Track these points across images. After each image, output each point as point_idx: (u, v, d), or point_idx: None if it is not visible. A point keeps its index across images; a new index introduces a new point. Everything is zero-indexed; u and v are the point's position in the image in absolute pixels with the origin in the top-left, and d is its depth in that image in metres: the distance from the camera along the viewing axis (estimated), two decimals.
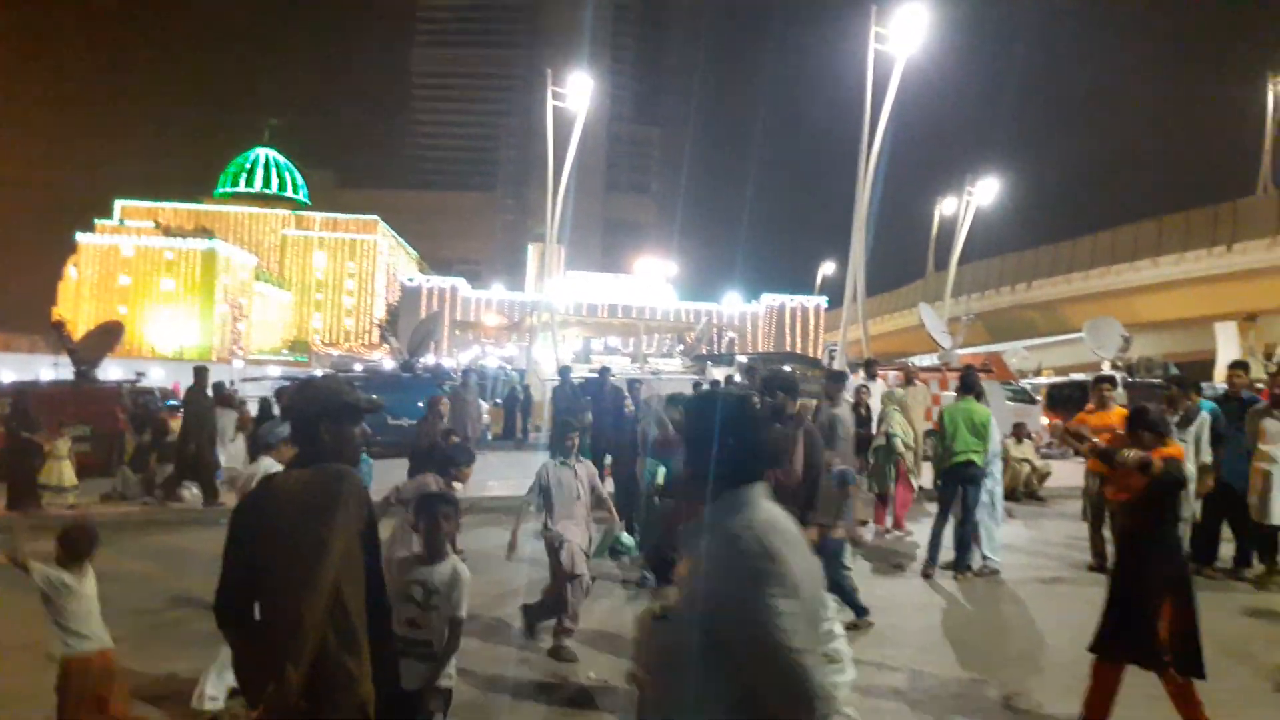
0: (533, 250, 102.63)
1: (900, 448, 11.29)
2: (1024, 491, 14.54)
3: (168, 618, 7.17)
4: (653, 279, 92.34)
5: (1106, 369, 23.09)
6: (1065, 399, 21.05)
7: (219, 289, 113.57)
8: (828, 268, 75.96)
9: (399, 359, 28.00)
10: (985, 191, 39.85)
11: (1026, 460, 14.81)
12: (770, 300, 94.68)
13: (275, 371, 46.06)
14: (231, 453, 14.39)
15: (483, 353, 60.92)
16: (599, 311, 79.30)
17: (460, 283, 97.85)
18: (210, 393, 14.26)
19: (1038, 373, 34.25)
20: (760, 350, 75.78)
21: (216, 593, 2.66)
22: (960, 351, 31.13)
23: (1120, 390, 15.48)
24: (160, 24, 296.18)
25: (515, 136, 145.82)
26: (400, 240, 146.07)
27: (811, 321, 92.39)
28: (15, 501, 12.43)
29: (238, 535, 2.70)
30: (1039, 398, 22.82)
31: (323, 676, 2.49)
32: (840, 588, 6.73)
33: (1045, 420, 20.16)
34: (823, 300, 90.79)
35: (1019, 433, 14.88)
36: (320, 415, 2.81)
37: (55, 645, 4.28)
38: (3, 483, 12.76)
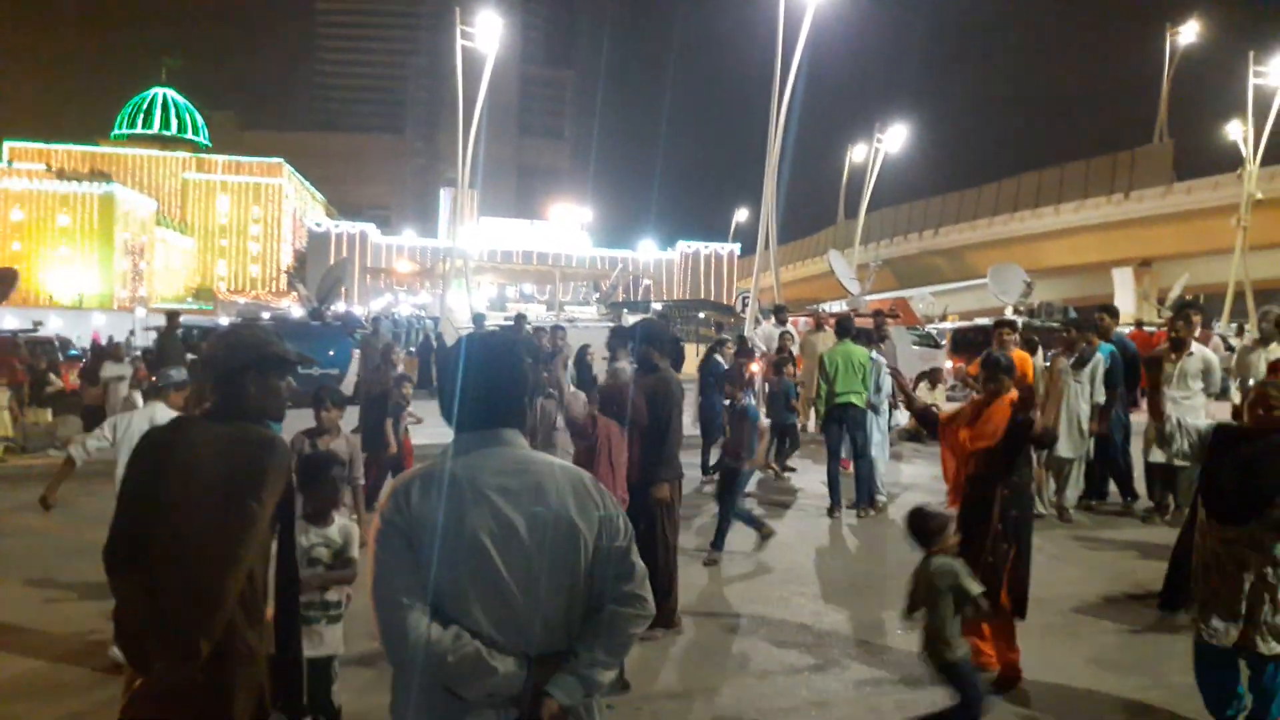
0: (444, 195, 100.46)
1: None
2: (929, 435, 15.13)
3: (73, 572, 7.04)
4: (568, 226, 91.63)
5: (1010, 314, 24.02)
6: (968, 343, 21.87)
7: (118, 235, 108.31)
8: (741, 215, 76.51)
9: (308, 306, 27.35)
10: (894, 139, 40.62)
11: (935, 405, 15.39)
12: (685, 247, 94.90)
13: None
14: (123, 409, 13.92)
15: (395, 300, 59.90)
16: (514, 258, 78.41)
17: (370, 228, 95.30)
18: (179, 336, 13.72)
19: (944, 318, 35.41)
20: (676, 298, 76.18)
21: (109, 537, 2.51)
22: (869, 298, 32.01)
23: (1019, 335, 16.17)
24: None
25: (424, 78, 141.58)
26: (307, 184, 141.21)
27: (726, 269, 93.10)
28: None
29: (138, 478, 2.55)
30: (944, 342, 23.66)
31: (224, 649, 2.40)
32: (741, 515, 7.89)
33: (949, 364, 20.97)
34: (736, 247, 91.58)
35: (933, 378, 15.38)
36: (245, 366, 2.65)
37: None
38: None
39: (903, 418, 12.01)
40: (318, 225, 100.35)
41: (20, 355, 16.69)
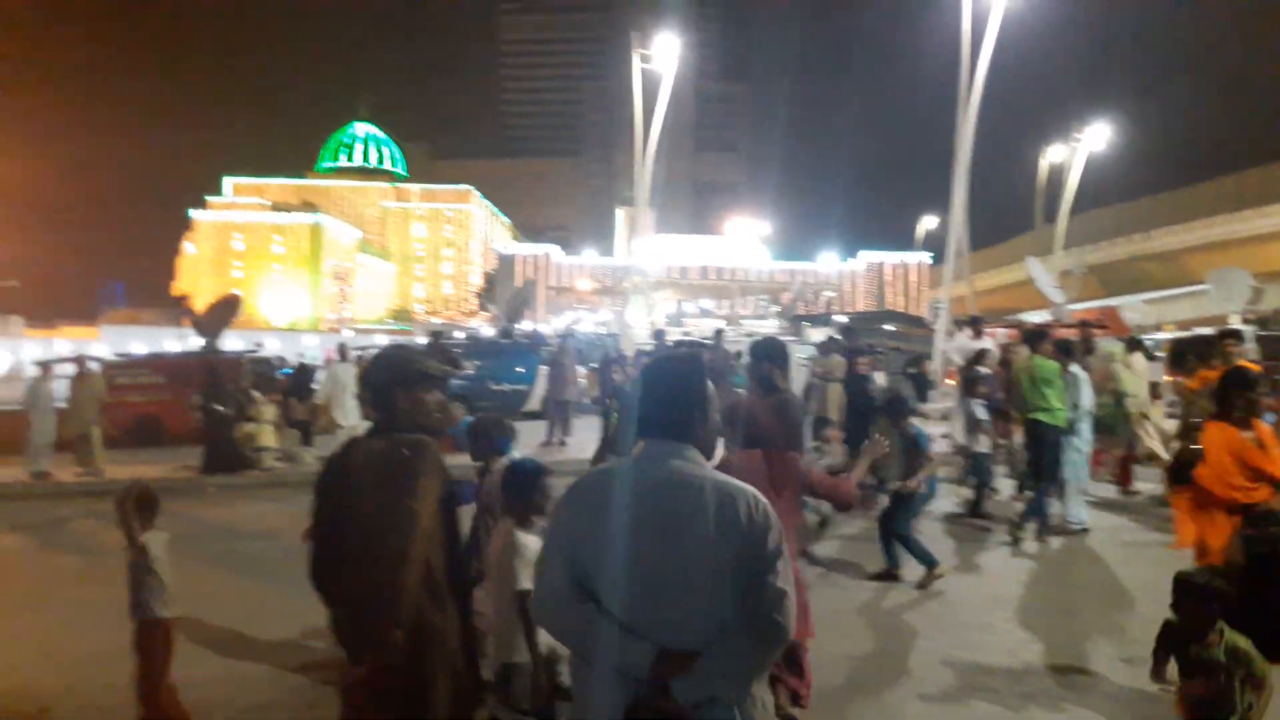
0: (622, 214, 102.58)
1: (1132, 408, 10.54)
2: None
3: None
4: (745, 239, 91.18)
5: (1235, 323, 21.76)
6: (1188, 356, 19.90)
7: (325, 262, 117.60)
8: (929, 222, 73.59)
9: (498, 325, 28.46)
10: (1094, 138, 37.84)
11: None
12: (869, 258, 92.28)
13: (383, 340, 47.43)
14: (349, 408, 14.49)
15: (577, 318, 61.67)
16: (690, 274, 78.96)
17: (554, 249, 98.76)
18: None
19: (1158, 328, 32.55)
20: (859, 310, 74.22)
21: (310, 559, 2.84)
22: (1073, 307, 29.83)
23: (1250, 345, 14.53)
24: (259, 9, 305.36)
25: (602, 99, 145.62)
26: (494, 208, 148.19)
27: (913, 279, 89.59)
28: (212, 466, 13.14)
29: (321, 500, 2.87)
30: (1160, 354, 21.69)
31: (418, 635, 2.67)
32: (907, 541, 7.25)
33: (1167, 378, 19.16)
34: (925, 256, 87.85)
35: (1154, 393, 13.90)
36: (393, 383, 2.91)
37: (157, 608, 4.43)
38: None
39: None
40: (505, 248, 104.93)
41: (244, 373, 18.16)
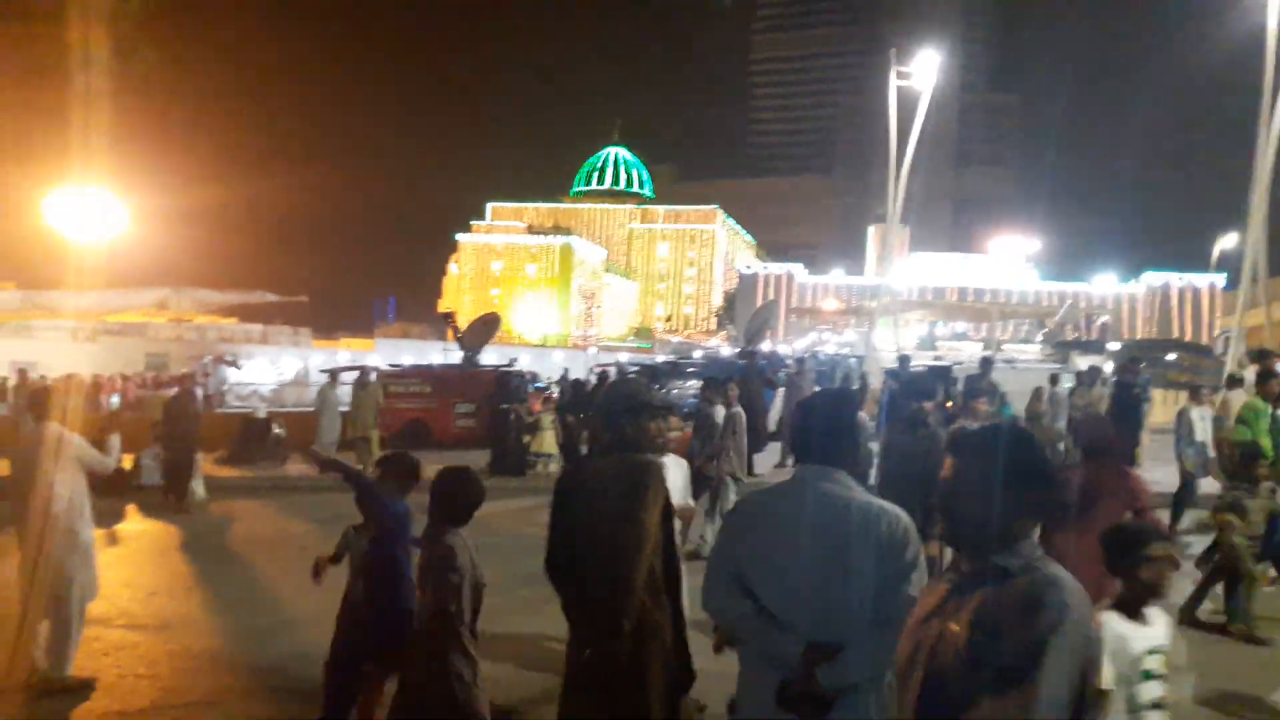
0: (873, 232, 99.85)
1: None
2: None
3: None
4: (1009, 258, 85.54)
5: None
6: None
7: (574, 281, 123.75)
8: (1227, 240, 65.49)
9: (736, 346, 28.48)
10: None
11: None
12: (1152, 279, 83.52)
13: (624, 357, 49.09)
14: None
15: (820, 339, 60.54)
16: (946, 294, 75.11)
17: (797, 268, 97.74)
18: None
19: None
20: (1138, 337, 67.41)
21: (547, 550, 3.39)
22: None
23: None
24: (514, 39, 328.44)
25: (855, 116, 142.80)
26: (738, 228, 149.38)
27: (1204, 304, 79.93)
28: (498, 468, 14.27)
29: (560, 505, 3.40)
30: None
31: (640, 628, 3.13)
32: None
33: None
34: (1219, 279, 78.11)
35: None
36: (623, 411, 3.40)
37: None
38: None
39: None
40: (747, 268, 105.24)
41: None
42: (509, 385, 15.39)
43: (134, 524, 11.23)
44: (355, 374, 16.18)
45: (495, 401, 14.93)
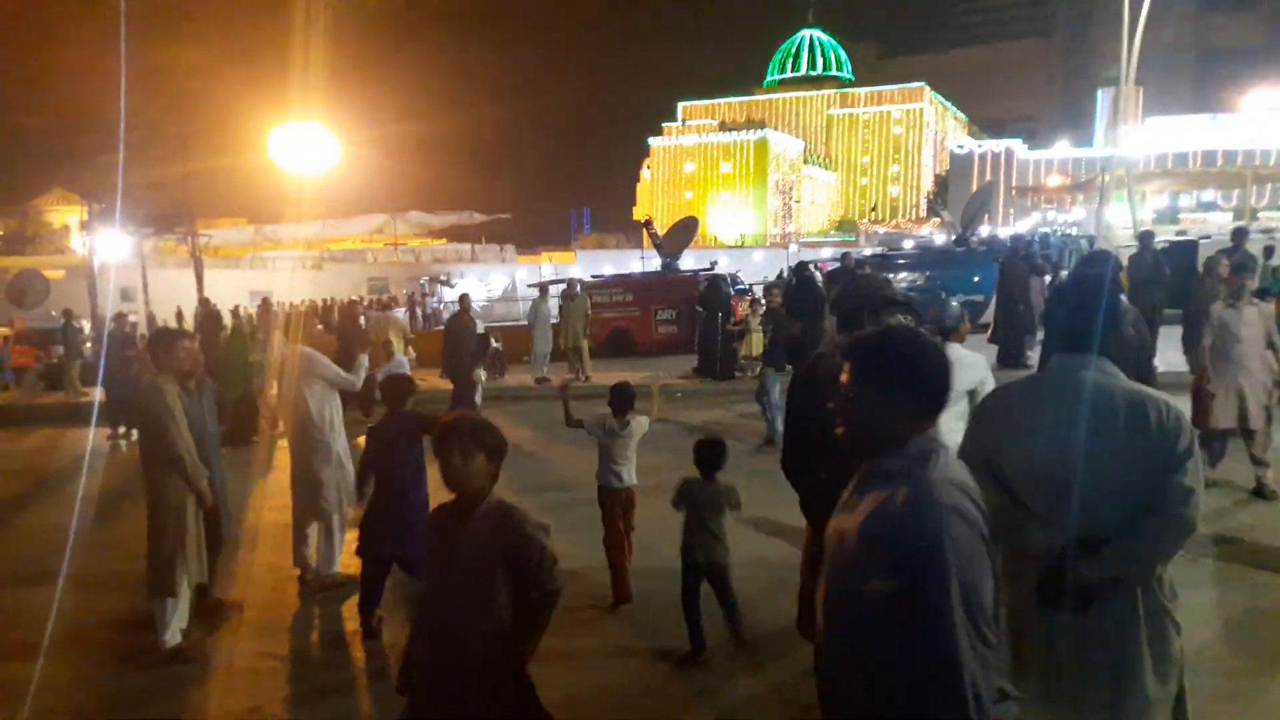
0: (1102, 97, 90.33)
1: None
2: None
3: None
4: (1265, 115, 74.90)
5: None
6: None
7: (770, 177, 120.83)
8: None
9: (952, 232, 26.91)
10: None
11: None
12: None
13: (826, 253, 47.78)
14: None
15: (1043, 220, 56.13)
16: (1190, 161, 67.08)
17: (1016, 144, 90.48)
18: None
19: None
20: None
21: (783, 456, 3.49)
22: None
23: None
24: None
25: None
26: (949, 104, 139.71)
27: None
28: (707, 370, 14.55)
29: (798, 407, 3.46)
30: None
31: None
32: None
33: None
34: None
35: None
36: (862, 308, 3.36)
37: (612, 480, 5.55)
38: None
39: None
40: (960, 147, 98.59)
41: (699, 290, 19.31)
42: (718, 288, 15.34)
43: None
44: (563, 286, 16.66)
45: (706, 303, 14.98)
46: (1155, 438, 2.36)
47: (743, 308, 15.66)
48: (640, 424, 5.51)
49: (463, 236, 62.15)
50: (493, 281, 40.39)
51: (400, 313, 25.33)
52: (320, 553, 6.26)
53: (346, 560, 6.27)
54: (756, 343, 14.56)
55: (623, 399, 5.47)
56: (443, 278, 35.86)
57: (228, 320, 14.70)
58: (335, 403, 6.27)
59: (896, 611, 1.73)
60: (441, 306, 32.21)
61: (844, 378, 2.03)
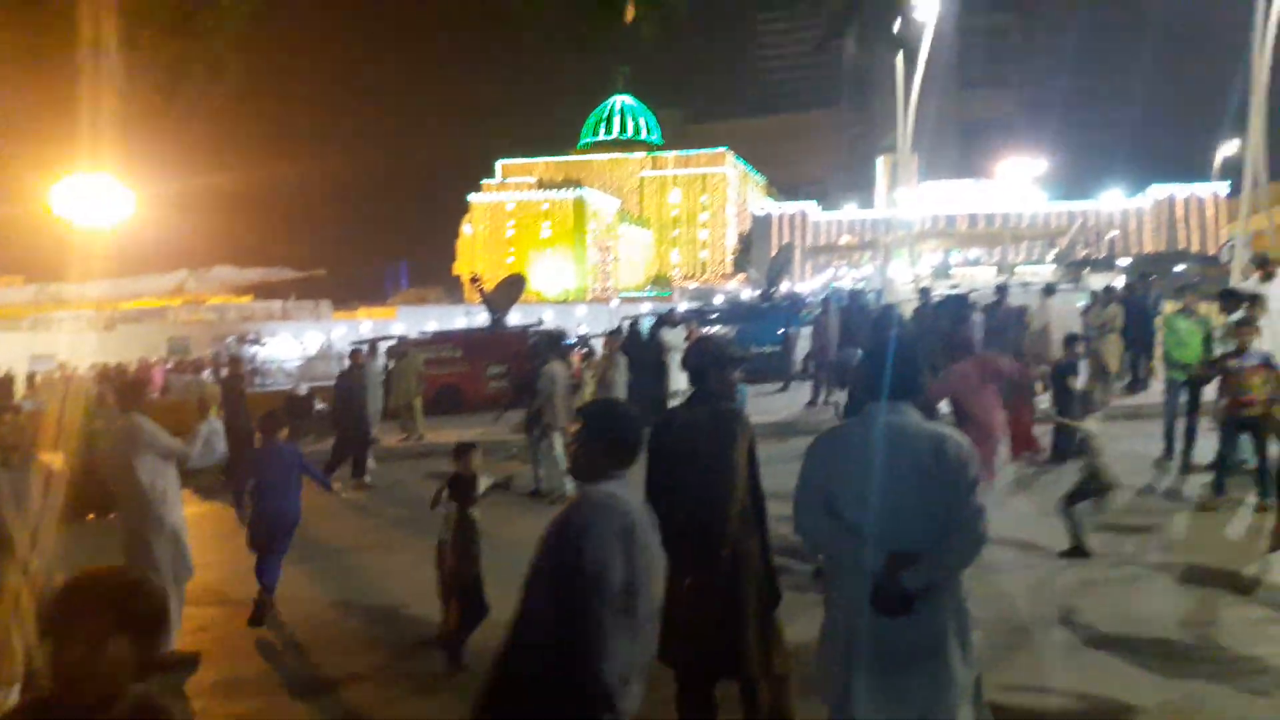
0: (882, 163, 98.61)
1: None
2: None
3: None
4: (1017, 180, 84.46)
5: None
6: None
7: (589, 233, 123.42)
8: (1228, 148, 64.36)
9: (756, 287, 28.67)
10: None
11: None
12: (1158, 192, 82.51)
13: (646, 308, 49.37)
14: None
15: (836, 275, 60.45)
16: (958, 222, 74.59)
17: (810, 207, 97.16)
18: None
19: None
20: (1147, 251, 66.86)
21: (645, 493, 3.65)
22: None
23: None
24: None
25: (858, 46, 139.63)
26: (748, 168, 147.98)
27: (1209, 213, 78.93)
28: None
29: (656, 453, 3.74)
30: None
31: (734, 554, 3.60)
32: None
33: None
34: (1222, 188, 77.04)
35: None
36: (710, 364, 3.84)
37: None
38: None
39: None
40: (761, 209, 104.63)
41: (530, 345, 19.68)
42: (556, 346, 15.64)
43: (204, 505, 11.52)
44: (392, 344, 16.57)
45: (539, 363, 15.19)
46: (953, 468, 2.85)
47: (577, 361, 16.00)
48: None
49: (273, 294, 59.67)
50: (307, 340, 38.94)
51: (207, 374, 24.16)
52: None
53: (192, 638, 6.18)
54: (589, 397, 14.99)
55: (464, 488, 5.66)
56: (251, 337, 34.38)
57: (19, 388, 13.71)
58: (170, 474, 6.08)
59: (558, 584, 2.50)
60: (251, 368, 30.91)
61: (576, 428, 2.86)
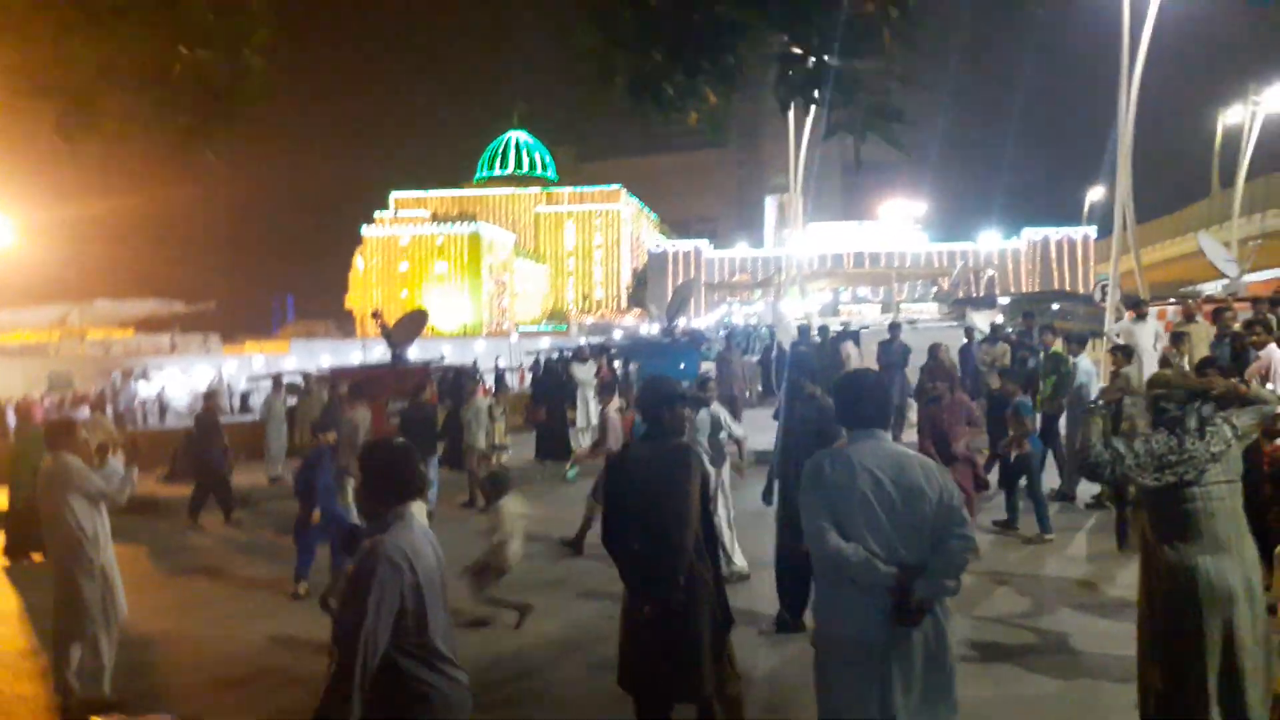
0: (769, 203, 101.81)
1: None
2: None
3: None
4: (900, 222, 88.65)
5: None
6: None
7: (485, 267, 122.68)
8: (1096, 193, 69.43)
9: (655, 322, 29.21)
10: (1276, 99, 34.87)
11: None
12: (1032, 234, 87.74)
13: (545, 343, 49.48)
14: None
15: (729, 311, 62.02)
16: (845, 262, 77.56)
17: (703, 245, 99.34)
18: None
19: None
20: (1024, 290, 70.93)
21: (603, 527, 4.07)
22: (1252, 278, 27.88)
23: None
24: (412, 30, 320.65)
25: (749, 88, 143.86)
26: (641, 205, 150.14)
27: (1079, 254, 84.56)
28: (452, 461, 14.17)
29: (613, 487, 4.11)
30: None
31: (690, 580, 3.82)
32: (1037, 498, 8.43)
33: None
34: (1091, 230, 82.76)
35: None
36: (661, 402, 4.13)
37: None
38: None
39: None
40: (656, 246, 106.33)
41: (432, 381, 19.70)
42: (460, 382, 15.73)
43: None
44: (295, 380, 16.45)
45: (446, 399, 15.24)
46: (941, 485, 3.18)
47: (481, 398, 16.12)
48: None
49: (158, 327, 57.22)
50: (196, 374, 37.49)
51: (84, 413, 23.08)
52: (86, 673, 5.88)
53: (121, 681, 6.01)
54: (499, 431, 15.11)
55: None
56: (137, 372, 32.98)
57: None
58: (101, 515, 6.00)
59: (350, 606, 2.80)
60: (138, 405, 29.71)
61: (359, 469, 3.14)
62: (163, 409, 30.10)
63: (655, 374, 5.42)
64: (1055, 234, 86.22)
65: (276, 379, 16.80)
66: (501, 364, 30.19)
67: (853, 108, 3.78)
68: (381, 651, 2.75)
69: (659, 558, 3.80)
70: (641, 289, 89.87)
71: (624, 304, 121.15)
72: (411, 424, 11.65)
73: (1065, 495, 9.86)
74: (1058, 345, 11.16)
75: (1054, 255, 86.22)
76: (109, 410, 28.06)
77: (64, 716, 5.72)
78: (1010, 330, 16.84)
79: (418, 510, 4.36)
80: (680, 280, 62.11)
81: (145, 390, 31.35)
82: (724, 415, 7.64)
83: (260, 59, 3.23)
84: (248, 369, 35.82)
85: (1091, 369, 10.32)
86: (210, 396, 13.01)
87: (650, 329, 40.09)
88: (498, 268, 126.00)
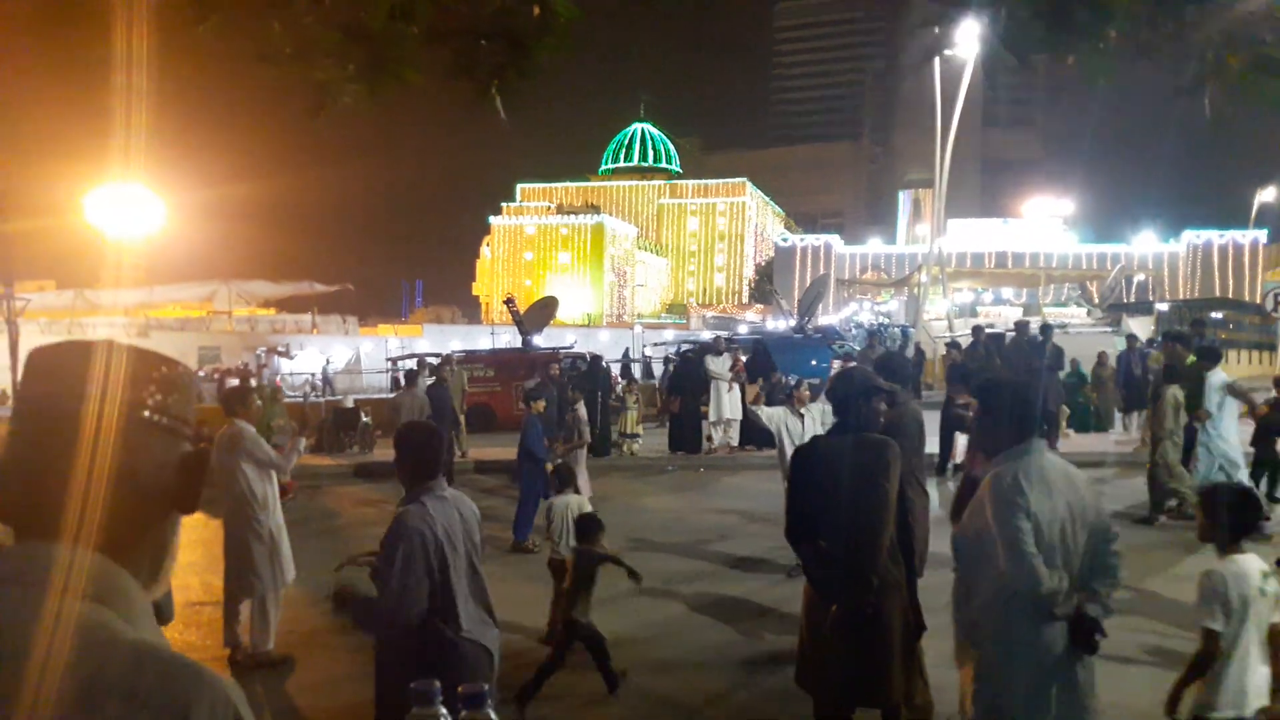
0: (903, 197, 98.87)
1: None
2: None
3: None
4: (1044, 221, 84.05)
5: None
6: None
7: (607, 259, 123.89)
8: (1267, 194, 64.47)
9: (782, 317, 28.71)
10: None
11: None
12: (1193, 238, 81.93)
13: (668, 334, 49.39)
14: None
15: (859, 310, 60.54)
16: (985, 261, 74.08)
17: (834, 240, 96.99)
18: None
19: None
20: (1182, 297, 66.44)
21: (788, 521, 3.85)
22: None
23: None
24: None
25: (882, 79, 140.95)
26: (767, 199, 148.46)
27: (1245, 260, 78.44)
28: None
29: (800, 479, 3.86)
30: None
31: (884, 582, 3.60)
32: None
33: None
34: (1261, 234, 76.82)
35: None
36: (856, 395, 3.85)
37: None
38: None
39: None
40: (784, 239, 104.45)
41: (562, 366, 19.70)
42: (596, 368, 15.83)
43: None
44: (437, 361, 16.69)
45: (584, 386, 15.36)
46: (1096, 497, 3.14)
47: (619, 387, 16.17)
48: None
49: (298, 307, 59.99)
50: (334, 353, 39.05)
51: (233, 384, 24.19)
52: (254, 630, 6.16)
53: (281, 640, 6.22)
54: (632, 420, 15.09)
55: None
56: (280, 348, 34.52)
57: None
58: (271, 481, 6.25)
59: (385, 561, 3.11)
60: (279, 379, 30.95)
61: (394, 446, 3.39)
62: (326, 384, 31.29)
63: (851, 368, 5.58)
64: (1220, 238, 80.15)
65: (420, 359, 17.18)
66: (634, 353, 30.21)
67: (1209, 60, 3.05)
68: (420, 603, 3.05)
69: (850, 558, 3.60)
70: (768, 283, 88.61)
71: (745, 298, 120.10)
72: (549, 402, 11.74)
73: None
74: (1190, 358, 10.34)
75: (1216, 260, 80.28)
76: (252, 384, 29.44)
77: (232, 669, 5.92)
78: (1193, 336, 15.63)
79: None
80: (808, 275, 60.90)
81: (285, 365, 32.67)
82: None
83: (567, 3, 2.98)
84: (383, 350, 36.93)
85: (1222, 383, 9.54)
86: (441, 367, 13.64)
87: (776, 324, 39.30)
88: (620, 259, 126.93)
